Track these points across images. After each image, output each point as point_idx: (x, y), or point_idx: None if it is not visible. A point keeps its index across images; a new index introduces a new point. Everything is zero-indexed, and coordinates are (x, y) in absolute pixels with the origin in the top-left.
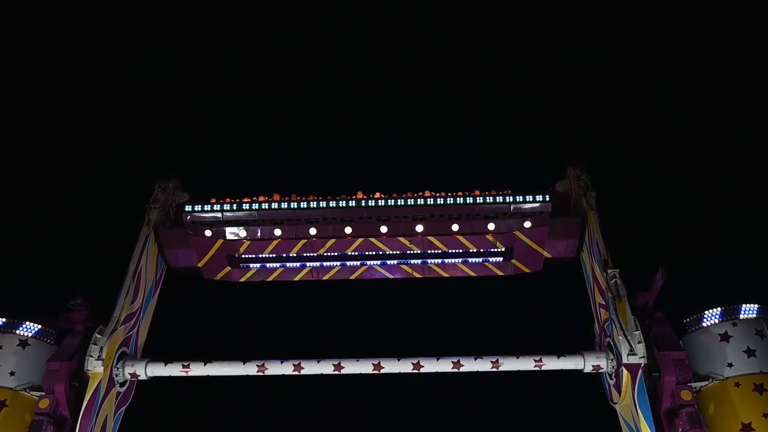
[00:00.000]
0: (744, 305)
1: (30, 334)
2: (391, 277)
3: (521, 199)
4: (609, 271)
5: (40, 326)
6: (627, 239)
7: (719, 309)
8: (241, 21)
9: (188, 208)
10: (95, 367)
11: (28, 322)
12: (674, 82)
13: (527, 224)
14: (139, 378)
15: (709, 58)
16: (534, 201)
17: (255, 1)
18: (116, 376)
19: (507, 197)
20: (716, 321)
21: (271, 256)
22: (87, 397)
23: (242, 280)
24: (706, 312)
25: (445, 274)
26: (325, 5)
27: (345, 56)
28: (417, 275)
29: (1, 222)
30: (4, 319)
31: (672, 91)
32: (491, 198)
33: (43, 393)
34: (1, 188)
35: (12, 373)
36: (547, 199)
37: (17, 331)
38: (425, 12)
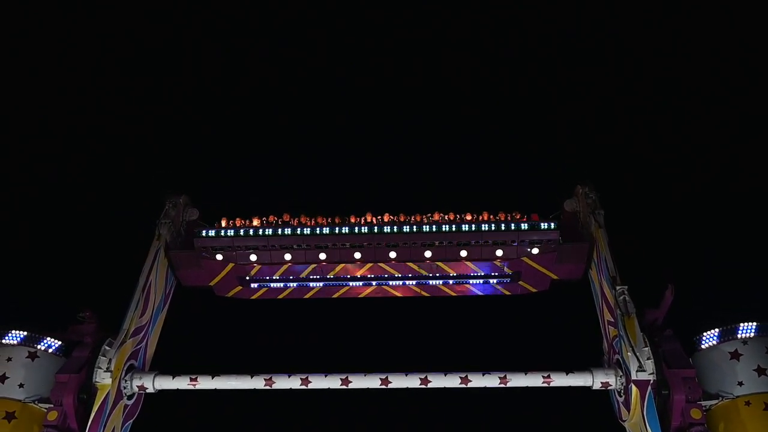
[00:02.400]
0: (742, 324)
1: (43, 348)
2: (399, 295)
3: (528, 227)
4: (618, 287)
5: (60, 342)
6: (635, 254)
7: (717, 330)
8: (241, 21)
9: (201, 233)
10: (103, 379)
11: (48, 338)
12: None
13: (535, 251)
14: (147, 391)
15: (710, 58)
16: (541, 230)
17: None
18: (124, 388)
19: (513, 224)
20: (714, 342)
21: (281, 279)
22: (95, 408)
23: (253, 297)
24: (704, 334)
25: (453, 294)
26: (325, 5)
27: (346, 59)
28: (425, 294)
29: (4, 231)
30: (24, 333)
31: (674, 92)
32: (499, 225)
33: (52, 405)
34: (4, 194)
35: (21, 385)
36: (554, 227)
37: (38, 346)
38: (425, 12)
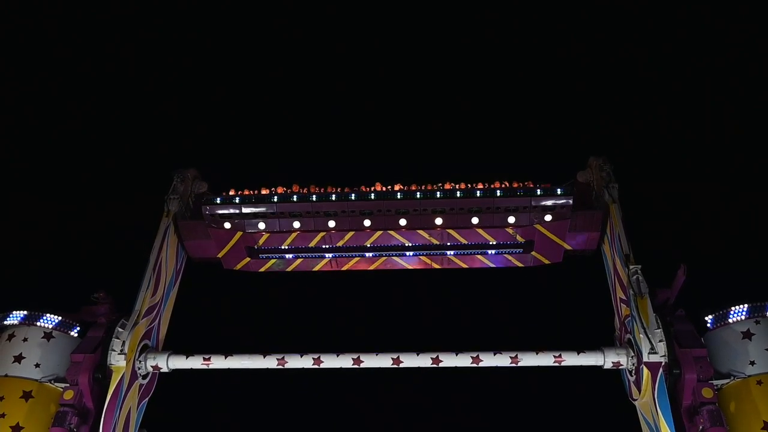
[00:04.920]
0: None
1: (51, 326)
2: (409, 267)
3: (541, 193)
4: (631, 267)
5: (60, 318)
6: (648, 231)
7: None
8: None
9: (209, 200)
10: (118, 361)
11: (48, 314)
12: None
13: (548, 218)
14: (161, 370)
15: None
16: (555, 195)
17: None
18: (139, 369)
19: (527, 191)
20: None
21: (290, 248)
22: (111, 390)
23: (262, 270)
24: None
25: (464, 266)
26: None
27: (362, 46)
28: (436, 266)
29: (17, 218)
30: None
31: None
32: (511, 191)
33: (68, 384)
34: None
35: (37, 365)
36: (568, 192)
37: (38, 323)
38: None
